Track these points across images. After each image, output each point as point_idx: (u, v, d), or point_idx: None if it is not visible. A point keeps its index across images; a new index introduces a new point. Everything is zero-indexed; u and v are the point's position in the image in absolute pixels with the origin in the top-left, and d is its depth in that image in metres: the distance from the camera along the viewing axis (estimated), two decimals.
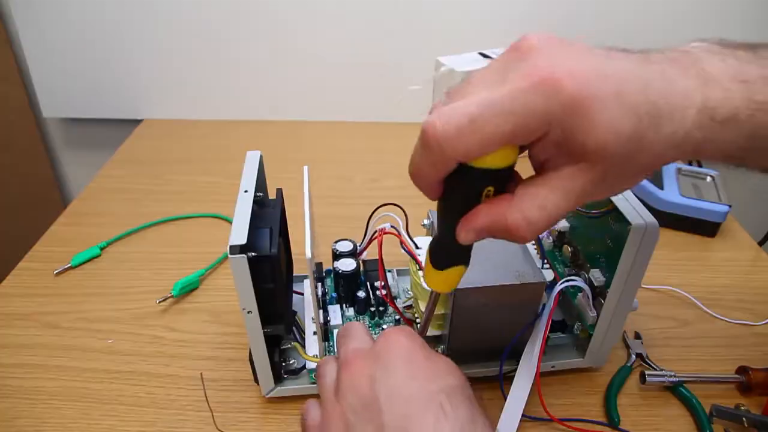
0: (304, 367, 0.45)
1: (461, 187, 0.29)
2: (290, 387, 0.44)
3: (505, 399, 0.42)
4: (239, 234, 0.36)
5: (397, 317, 0.49)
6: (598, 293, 0.44)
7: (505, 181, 0.29)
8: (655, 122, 0.26)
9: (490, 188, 0.28)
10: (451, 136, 0.25)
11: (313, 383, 0.44)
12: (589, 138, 0.25)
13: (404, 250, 0.46)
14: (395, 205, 0.48)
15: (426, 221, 0.49)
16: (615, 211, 0.40)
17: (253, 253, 0.36)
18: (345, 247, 0.52)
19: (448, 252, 0.33)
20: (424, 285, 0.43)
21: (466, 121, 0.25)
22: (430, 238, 0.49)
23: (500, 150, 0.26)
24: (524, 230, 0.27)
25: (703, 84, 0.26)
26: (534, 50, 0.25)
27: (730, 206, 0.64)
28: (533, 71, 0.24)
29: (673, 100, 0.26)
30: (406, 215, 0.48)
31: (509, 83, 0.25)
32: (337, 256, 0.51)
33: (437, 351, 0.35)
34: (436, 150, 0.26)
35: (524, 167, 0.29)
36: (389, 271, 0.54)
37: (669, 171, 0.70)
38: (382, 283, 0.48)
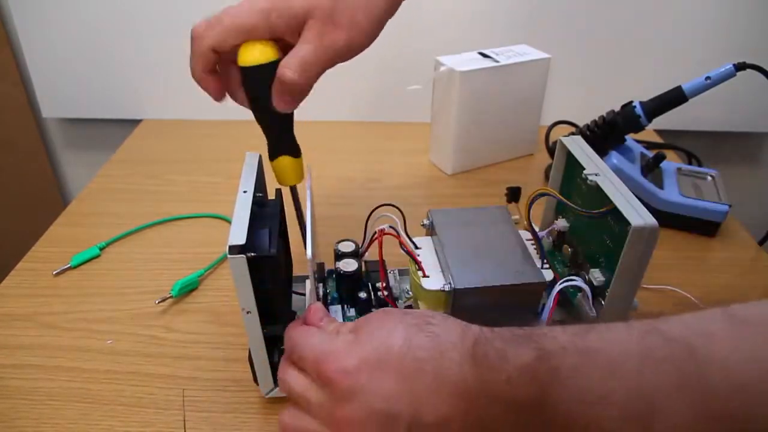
0: None
1: (249, 86, 0.40)
2: None
3: None
4: (238, 234, 0.36)
5: None
6: (598, 293, 0.44)
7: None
8: None
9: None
10: (203, 27, 0.38)
11: None
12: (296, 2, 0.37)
13: (403, 250, 0.46)
14: (392, 205, 0.48)
15: (425, 221, 0.49)
16: (615, 211, 0.40)
17: (253, 254, 0.36)
18: (347, 247, 0.51)
19: (272, 143, 0.43)
20: (424, 285, 0.43)
21: (218, 16, 0.37)
22: (429, 239, 0.49)
23: (256, 50, 0.37)
24: (289, 74, 0.37)
25: None
26: None
27: (730, 206, 0.64)
28: None
29: None
30: (403, 215, 0.48)
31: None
32: (339, 256, 0.51)
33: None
34: (193, 35, 0.38)
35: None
36: (391, 272, 0.54)
37: (669, 171, 0.70)
38: (383, 284, 0.48)
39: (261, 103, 0.40)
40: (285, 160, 0.43)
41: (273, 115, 0.40)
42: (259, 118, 0.42)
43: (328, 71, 0.95)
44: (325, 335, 0.34)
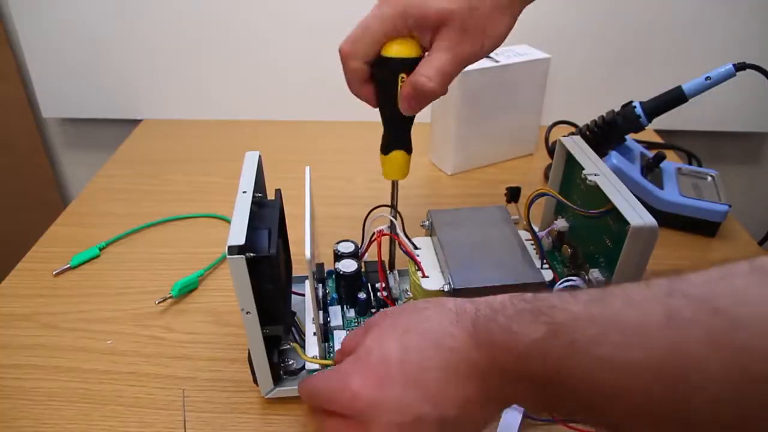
0: (303, 367, 0.45)
1: (382, 75, 0.41)
2: (289, 388, 0.44)
3: None
4: (238, 235, 0.36)
5: None
6: None
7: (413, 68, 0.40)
8: None
9: (403, 75, 0.40)
10: (349, 44, 0.40)
11: None
12: (431, 8, 0.38)
13: (402, 250, 0.46)
14: (390, 206, 0.48)
15: (425, 221, 0.49)
16: (614, 211, 0.40)
17: (252, 254, 0.36)
18: (347, 248, 0.52)
19: (390, 137, 0.44)
20: (423, 285, 0.43)
21: (359, 31, 0.40)
22: (428, 239, 0.49)
23: (399, 44, 0.39)
24: (428, 83, 0.39)
25: None
26: None
27: (730, 206, 0.64)
28: None
29: None
30: (401, 216, 0.48)
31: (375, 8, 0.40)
32: (338, 257, 0.51)
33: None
34: (343, 56, 0.41)
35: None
36: (390, 272, 0.54)
37: (669, 171, 0.70)
38: (383, 285, 0.48)
39: (392, 96, 0.41)
40: (398, 155, 0.44)
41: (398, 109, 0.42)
42: (386, 112, 0.43)
43: (329, 71, 0.96)
44: (328, 373, 0.35)
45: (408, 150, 0.45)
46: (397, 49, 0.39)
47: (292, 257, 0.52)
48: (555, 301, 0.29)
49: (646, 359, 0.25)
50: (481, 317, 0.31)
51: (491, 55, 0.74)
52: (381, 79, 0.41)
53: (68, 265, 0.59)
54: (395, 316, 0.34)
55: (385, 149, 0.45)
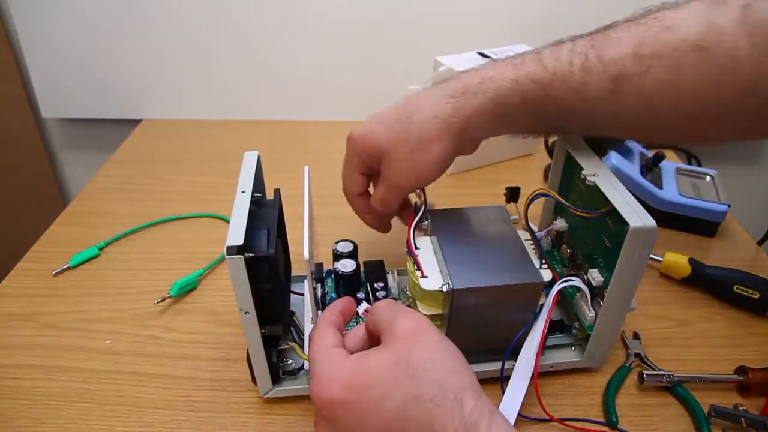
0: (302, 367, 0.45)
1: None
2: (288, 387, 0.44)
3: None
4: (236, 235, 0.36)
5: None
6: (597, 293, 0.44)
7: None
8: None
9: None
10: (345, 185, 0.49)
11: None
12: (371, 143, 0.44)
13: (407, 248, 0.46)
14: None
15: (425, 222, 0.49)
16: (614, 211, 0.40)
17: (251, 254, 0.36)
18: (345, 247, 0.52)
19: None
20: (422, 285, 0.43)
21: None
22: (428, 239, 0.49)
23: None
24: (377, 207, 0.47)
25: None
26: None
27: (729, 206, 0.64)
28: None
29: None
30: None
31: None
32: (337, 256, 0.51)
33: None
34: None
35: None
36: (390, 271, 0.54)
37: (668, 170, 0.70)
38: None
39: None
40: None
41: None
42: None
43: (329, 71, 0.95)
44: (331, 359, 0.34)
45: None
46: None
47: (291, 257, 0.52)
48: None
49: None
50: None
51: (490, 55, 0.74)
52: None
53: (68, 265, 0.59)
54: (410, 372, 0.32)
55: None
